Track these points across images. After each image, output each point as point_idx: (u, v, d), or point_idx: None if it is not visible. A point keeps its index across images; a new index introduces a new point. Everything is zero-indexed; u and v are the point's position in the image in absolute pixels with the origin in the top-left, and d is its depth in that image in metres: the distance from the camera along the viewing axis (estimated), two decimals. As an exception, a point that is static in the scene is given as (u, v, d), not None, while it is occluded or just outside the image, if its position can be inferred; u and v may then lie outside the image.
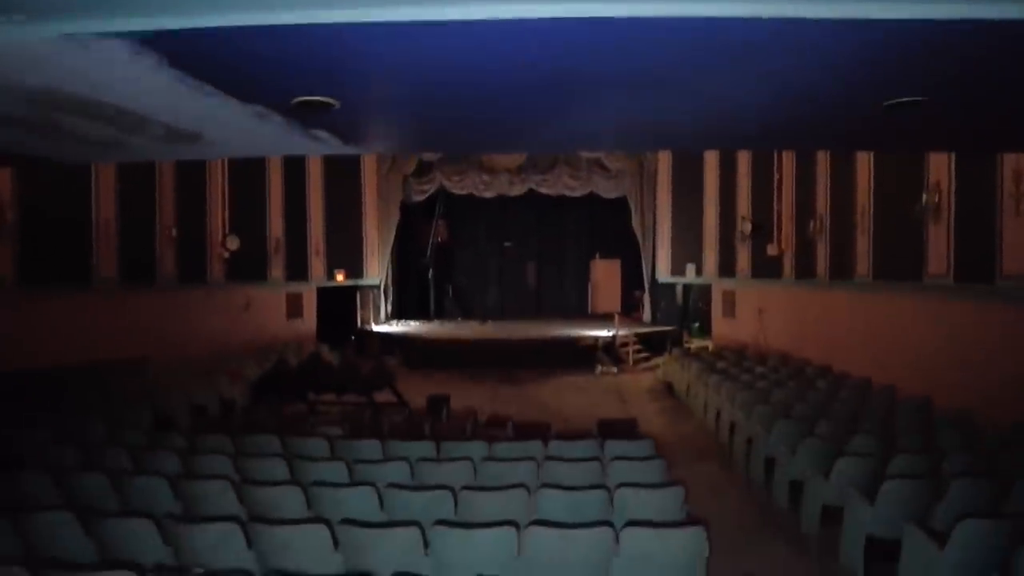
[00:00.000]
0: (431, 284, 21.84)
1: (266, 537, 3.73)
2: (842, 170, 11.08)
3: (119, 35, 2.66)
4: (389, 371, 10.15)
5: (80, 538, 3.93)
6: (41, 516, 4.03)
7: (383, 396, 10.15)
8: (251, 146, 6.01)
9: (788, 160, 13.37)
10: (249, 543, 3.74)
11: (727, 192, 15.97)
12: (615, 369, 15.25)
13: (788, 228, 13.41)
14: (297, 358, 13.13)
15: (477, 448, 6.00)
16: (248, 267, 15.55)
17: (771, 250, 13.57)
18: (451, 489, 4.44)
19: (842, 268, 11.10)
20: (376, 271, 18.98)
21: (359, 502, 4.37)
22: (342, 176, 17.84)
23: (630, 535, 3.56)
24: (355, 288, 18.65)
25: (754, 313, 14.98)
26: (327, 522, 3.73)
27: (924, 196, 8.30)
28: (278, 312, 16.63)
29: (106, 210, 11.87)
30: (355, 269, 18.46)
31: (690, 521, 3.80)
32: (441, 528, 3.65)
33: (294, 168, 16.74)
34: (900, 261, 9.27)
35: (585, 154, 17.85)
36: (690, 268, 17.26)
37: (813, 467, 5.94)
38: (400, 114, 4.68)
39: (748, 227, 14.14)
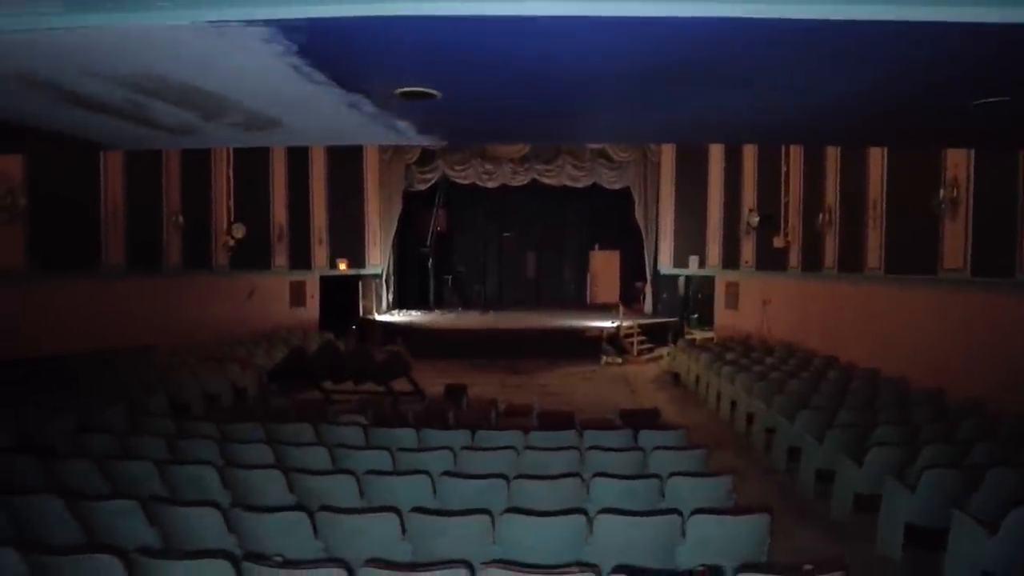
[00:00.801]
0: (431, 273, 21.84)
1: (333, 525, 3.76)
2: (853, 164, 11.19)
3: (266, 23, 2.67)
4: (405, 360, 10.14)
5: (142, 526, 3.94)
6: (104, 504, 4.03)
7: (398, 385, 10.19)
8: (325, 134, 5.96)
9: (796, 154, 13.48)
10: (315, 531, 3.78)
11: (732, 185, 16.07)
12: (620, 359, 15.36)
13: (795, 221, 13.54)
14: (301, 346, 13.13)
15: (514, 437, 6.05)
16: (252, 255, 15.47)
17: (777, 242, 13.70)
18: (504, 477, 4.49)
19: (851, 261, 11.23)
20: (378, 260, 18.93)
21: (415, 490, 4.41)
22: (344, 164, 17.74)
23: (697, 523, 3.63)
24: (357, 277, 18.59)
25: (758, 305, 15.13)
26: (396, 510, 3.76)
27: (942, 191, 8.42)
28: (281, 300, 16.57)
29: (114, 195, 11.74)
30: (357, 258, 18.40)
31: (752, 508, 3.87)
32: (510, 516, 3.70)
33: (297, 156, 16.62)
34: (914, 255, 9.40)
35: (590, 145, 17.86)
36: (693, 260, 17.38)
37: (841, 456, 6.08)
38: (490, 105, 4.67)
39: (756, 219, 14.25)
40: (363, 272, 18.66)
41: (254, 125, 4.80)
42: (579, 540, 3.65)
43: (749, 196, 15.46)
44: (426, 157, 18.89)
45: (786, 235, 13.68)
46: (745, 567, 3.03)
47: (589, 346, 15.73)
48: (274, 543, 3.71)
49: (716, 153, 16.62)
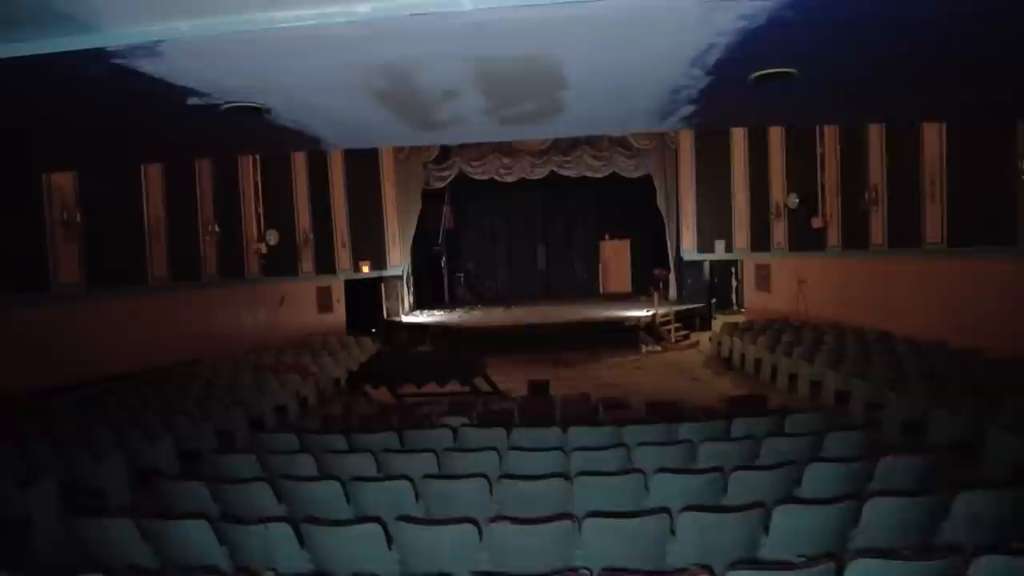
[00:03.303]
0: (444, 271, 21.63)
1: (500, 534, 3.65)
2: (902, 141, 11.32)
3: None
4: (480, 360, 9.99)
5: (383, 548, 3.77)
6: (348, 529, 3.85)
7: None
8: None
9: (831, 134, 13.61)
10: (481, 538, 3.68)
11: (758, 168, 16.17)
12: (659, 347, 15.37)
13: (832, 200, 13.67)
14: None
15: (661, 431, 5.98)
16: (280, 262, 15.12)
17: (816, 223, 13.81)
18: (723, 471, 4.41)
19: (904, 236, 11.38)
20: (398, 260, 18.66)
21: (627, 489, 4.31)
22: (361, 165, 17.42)
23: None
24: (379, 279, 18.30)
25: (792, 285, 15.27)
26: (572, 516, 3.66)
27: (1021, 163, 8.55)
28: (309, 306, 16.24)
29: (155, 208, 11.32)
30: (378, 259, 18.11)
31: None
32: (698, 515, 3.63)
33: (317, 159, 16.27)
34: (983, 227, 9.56)
35: (610, 134, 17.80)
36: (719, 244, 17.45)
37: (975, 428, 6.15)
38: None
39: (796, 201, 14.35)
40: (385, 273, 18.38)
41: (536, 113, 4.58)
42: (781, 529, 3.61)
43: (777, 179, 15.57)
44: (443, 154, 18.64)
45: (824, 215, 13.80)
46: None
47: (626, 335, 15.70)
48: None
49: (739, 138, 16.71)
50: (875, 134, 12.12)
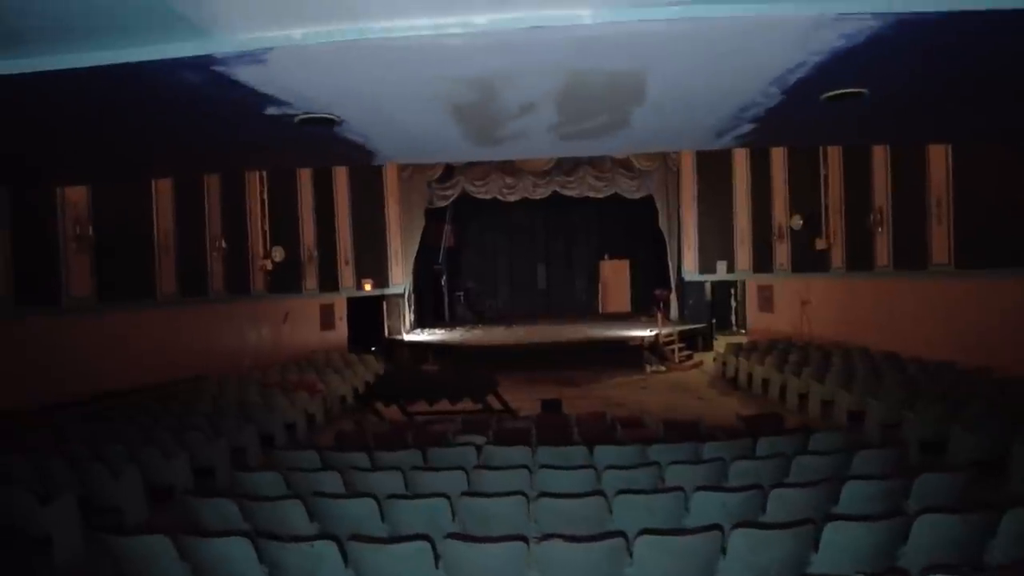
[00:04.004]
0: (444, 290, 21.63)
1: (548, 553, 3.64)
2: (907, 163, 11.49)
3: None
4: (492, 379, 9.95)
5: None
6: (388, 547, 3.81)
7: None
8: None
9: (835, 156, 13.79)
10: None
11: (760, 189, 16.33)
12: (663, 367, 15.37)
13: (836, 221, 13.81)
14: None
15: (688, 449, 5.97)
16: (285, 279, 15.07)
17: (820, 244, 13.94)
18: (763, 488, 4.40)
19: (910, 257, 11.50)
20: (400, 279, 18.61)
21: (667, 507, 4.29)
22: (365, 183, 17.46)
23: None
24: (381, 297, 18.25)
25: (795, 306, 15.35)
26: (623, 534, 3.65)
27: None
28: (313, 323, 16.16)
29: (164, 222, 11.28)
30: (381, 277, 18.07)
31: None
32: (748, 531, 3.63)
33: (322, 176, 16.31)
34: (991, 247, 9.68)
35: (612, 154, 17.96)
36: (721, 265, 17.55)
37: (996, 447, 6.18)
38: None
39: (800, 222, 14.48)
40: (387, 292, 18.32)
41: (600, 129, 4.62)
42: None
43: (780, 200, 15.72)
44: (446, 173, 18.72)
45: (828, 236, 13.93)
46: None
47: (629, 355, 15.69)
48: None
49: (740, 159, 16.87)
50: (880, 155, 12.30)
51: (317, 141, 4.62)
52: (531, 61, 3.22)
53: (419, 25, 2.74)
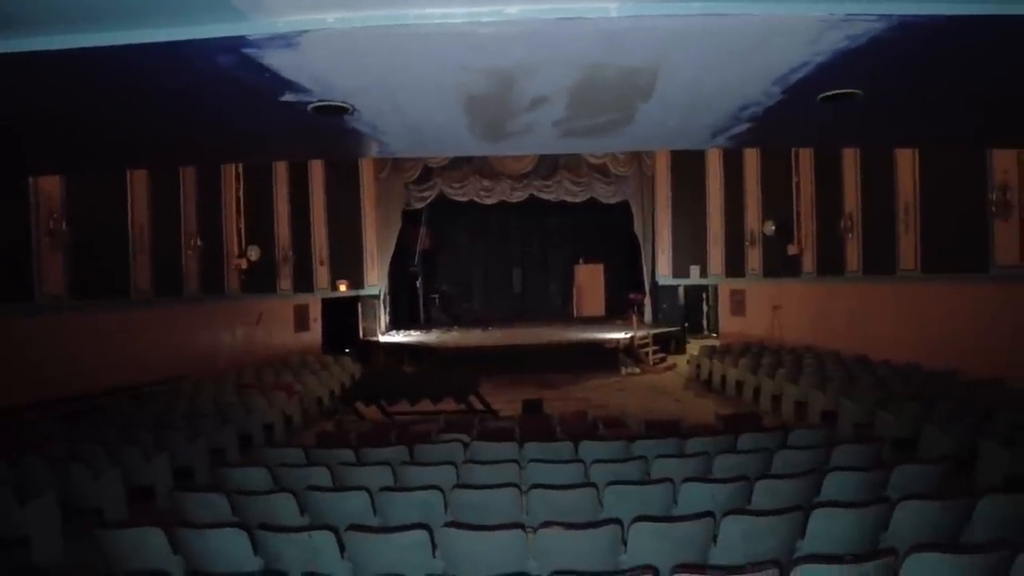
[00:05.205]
0: (420, 292, 21.62)
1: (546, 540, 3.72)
2: (876, 171, 11.84)
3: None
4: (474, 379, 9.98)
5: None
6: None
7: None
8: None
9: (806, 163, 14.14)
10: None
11: (733, 195, 16.66)
12: (638, 369, 15.56)
13: (807, 227, 14.16)
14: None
15: (672, 445, 6.09)
16: (259, 279, 14.88)
17: (792, 249, 14.26)
18: (748, 479, 4.52)
19: (880, 263, 11.84)
20: (375, 280, 18.55)
21: (658, 498, 4.39)
22: (342, 183, 17.38)
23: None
24: (356, 298, 18.15)
25: (767, 310, 15.67)
26: (619, 521, 3.74)
27: (992, 192, 9.04)
28: (287, 324, 15.98)
29: (139, 218, 11.08)
30: (356, 279, 17.98)
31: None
32: (741, 518, 3.75)
33: (298, 175, 16.17)
34: (956, 254, 10.03)
35: (589, 159, 18.17)
36: (694, 269, 17.84)
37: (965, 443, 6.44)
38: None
39: (772, 228, 14.80)
40: (362, 293, 18.24)
41: (604, 126, 4.67)
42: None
43: (753, 205, 16.06)
44: (424, 175, 18.72)
45: (799, 242, 14.27)
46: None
47: (606, 358, 15.85)
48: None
49: (713, 166, 17.21)
50: (849, 163, 12.66)
51: (324, 131, 4.62)
52: (555, 53, 3.28)
53: (454, 13, 2.79)
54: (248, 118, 4.40)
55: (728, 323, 17.39)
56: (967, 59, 3.50)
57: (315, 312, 16.97)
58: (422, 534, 3.69)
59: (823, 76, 3.65)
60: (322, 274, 17.05)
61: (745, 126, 4.83)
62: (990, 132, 6.37)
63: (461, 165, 18.56)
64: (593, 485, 4.59)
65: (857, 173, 12.48)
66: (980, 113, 4.98)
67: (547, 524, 3.65)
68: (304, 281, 16.51)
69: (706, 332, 19.26)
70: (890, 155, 11.24)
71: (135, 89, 3.56)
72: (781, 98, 4.09)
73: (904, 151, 10.94)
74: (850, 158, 12.61)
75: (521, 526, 3.72)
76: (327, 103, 3.95)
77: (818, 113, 4.45)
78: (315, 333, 16.96)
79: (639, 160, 18.31)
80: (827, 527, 3.76)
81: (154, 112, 4.16)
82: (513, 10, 2.80)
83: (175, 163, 9.03)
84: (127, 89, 3.57)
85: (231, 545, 3.86)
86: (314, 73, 3.40)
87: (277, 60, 3.16)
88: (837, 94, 4.00)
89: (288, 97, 3.79)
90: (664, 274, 18.67)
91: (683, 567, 2.94)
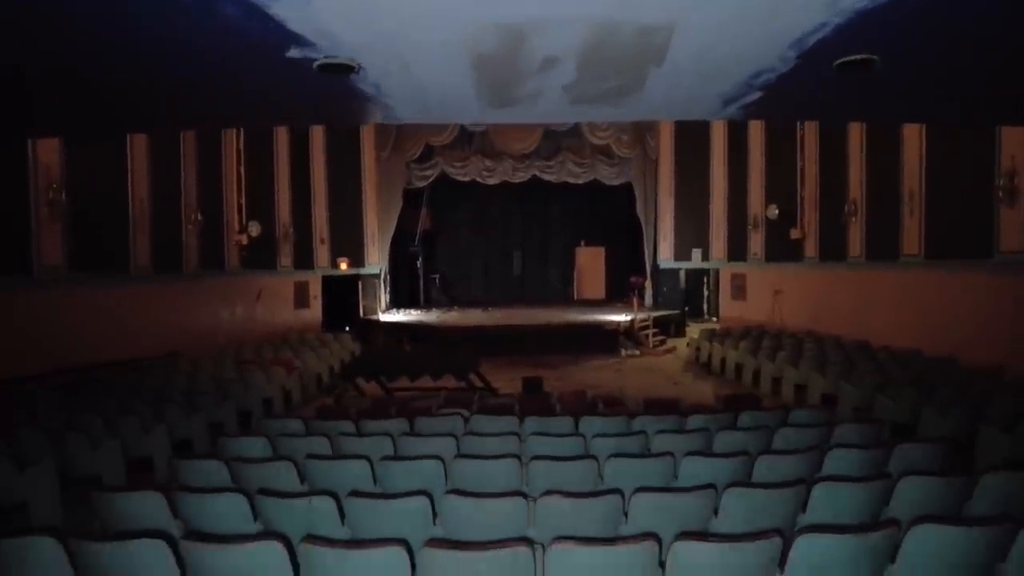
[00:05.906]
0: (420, 273, 21.59)
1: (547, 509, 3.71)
2: (881, 155, 11.76)
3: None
4: (474, 357, 9.97)
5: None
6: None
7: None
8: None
9: (811, 148, 14.05)
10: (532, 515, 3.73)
11: (737, 178, 16.57)
12: (637, 352, 15.55)
13: (811, 212, 14.09)
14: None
15: (672, 421, 6.08)
16: (260, 255, 14.85)
17: (795, 234, 14.21)
18: (749, 455, 4.52)
19: (883, 248, 11.79)
20: (376, 259, 18.49)
21: (658, 471, 4.37)
22: (343, 160, 17.27)
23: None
24: (357, 277, 18.11)
25: (768, 295, 15.64)
26: (620, 491, 3.74)
27: (998, 178, 8.97)
28: (287, 301, 15.96)
29: (140, 190, 10.99)
30: (356, 257, 17.92)
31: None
32: (743, 491, 3.75)
33: (299, 151, 16.07)
34: (960, 240, 9.98)
35: (592, 140, 18.04)
36: (696, 253, 17.78)
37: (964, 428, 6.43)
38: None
39: (776, 212, 14.74)
40: (362, 272, 18.19)
41: (614, 92, 4.58)
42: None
43: (756, 190, 15.98)
44: (425, 154, 18.60)
45: (803, 226, 14.21)
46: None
47: (606, 340, 15.84)
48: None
49: (718, 148, 17.11)
50: (855, 148, 12.57)
51: (329, 93, 4.54)
52: (567, 8, 3.21)
53: (466, -38, 2.72)
54: (252, 77, 4.33)
55: (728, 307, 17.38)
56: (986, 25, 3.43)
57: (315, 289, 16.95)
58: (423, 501, 3.68)
59: (841, 40, 3.58)
60: (322, 252, 17.01)
61: (757, 95, 4.75)
62: (1004, 108, 6.29)
63: (463, 144, 18.44)
64: (593, 458, 4.58)
65: (862, 158, 12.40)
66: (996, 86, 4.90)
67: (548, 493, 3.64)
68: (304, 258, 16.48)
69: (706, 316, 19.23)
70: (896, 139, 11.15)
71: (133, 39, 3.48)
72: (796, 64, 4.02)
73: (911, 136, 10.85)
74: (856, 141, 12.51)
75: (522, 495, 3.71)
76: (333, 60, 3.87)
77: (832, 82, 4.37)
78: (315, 311, 16.95)
79: (643, 142, 18.19)
80: (829, 501, 3.75)
81: (154, 68, 4.09)
82: (526, -40, 2.72)
83: (175, 126, 8.89)
84: (124, 39, 3.49)
85: (231, 509, 3.86)
86: (321, 26, 3.33)
87: (284, 10, 3.08)
88: (853, 60, 3.92)
89: (294, 53, 3.72)
90: (665, 257, 18.61)
91: (686, 534, 2.93)
